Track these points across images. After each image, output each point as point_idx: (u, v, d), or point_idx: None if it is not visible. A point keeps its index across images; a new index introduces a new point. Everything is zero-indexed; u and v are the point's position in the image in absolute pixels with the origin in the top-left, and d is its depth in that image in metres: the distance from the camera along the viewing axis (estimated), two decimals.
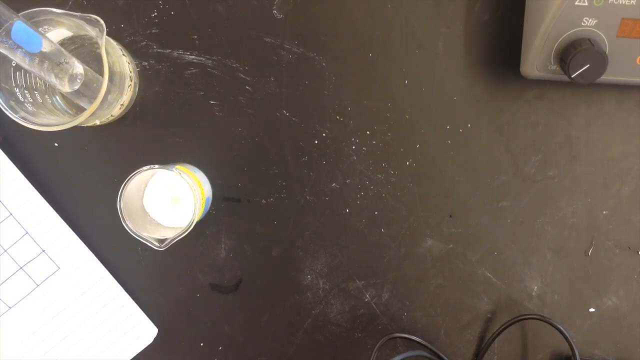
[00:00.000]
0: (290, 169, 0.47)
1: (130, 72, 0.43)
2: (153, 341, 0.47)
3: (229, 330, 0.48)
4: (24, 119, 0.37)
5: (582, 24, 0.37)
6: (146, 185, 0.45)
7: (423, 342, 0.47)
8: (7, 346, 0.46)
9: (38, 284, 0.46)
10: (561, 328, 0.46)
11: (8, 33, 0.33)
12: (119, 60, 0.41)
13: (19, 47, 0.34)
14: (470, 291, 0.48)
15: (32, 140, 0.46)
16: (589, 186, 0.47)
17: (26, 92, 0.40)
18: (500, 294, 0.48)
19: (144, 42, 0.45)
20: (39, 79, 0.41)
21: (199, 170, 0.46)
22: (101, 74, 0.38)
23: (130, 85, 0.44)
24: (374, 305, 0.48)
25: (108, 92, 0.38)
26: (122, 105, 0.44)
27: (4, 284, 0.45)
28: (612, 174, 0.47)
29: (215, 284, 0.48)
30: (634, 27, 0.37)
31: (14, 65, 0.39)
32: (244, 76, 0.46)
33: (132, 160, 0.46)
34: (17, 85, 0.39)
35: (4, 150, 0.45)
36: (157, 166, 0.41)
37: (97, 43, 0.37)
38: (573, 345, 0.46)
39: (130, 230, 0.40)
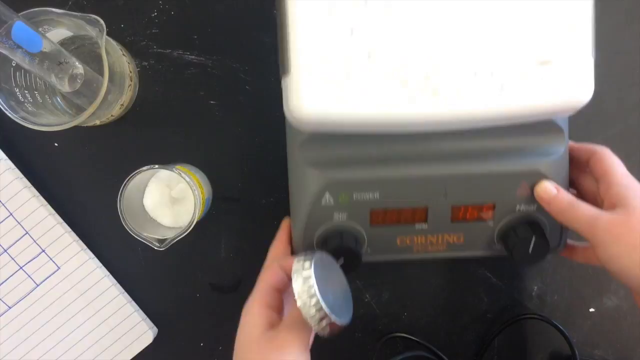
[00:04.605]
0: None
1: (130, 72, 0.43)
2: (153, 341, 0.47)
3: (229, 330, 0.48)
4: (24, 119, 0.37)
5: (334, 219, 0.39)
6: (146, 185, 0.45)
7: (423, 342, 0.47)
8: (7, 346, 0.46)
9: (38, 284, 0.46)
10: (561, 328, 0.46)
11: (8, 33, 0.33)
12: (119, 60, 0.41)
13: (19, 47, 0.34)
14: (470, 291, 0.48)
15: (32, 140, 0.46)
16: None
17: (26, 92, 0.40)
18: (500, 294, 0.48)
19: (144, 42, 0.45)
20: (39, 79, 0.41)
21: (199, 170, 0.46)
22: (101, 74, 0.38)
23: (130, 85, 0.44)
24: (374, 305, 0.48)
25: (108, 92, 0.38)
26: (122, 105, 0.44)
27: (4, 284, 0.45)
28: None
29: (215, 284, 0.48)
30: (384, 216, 0.39)
31: (14, 65, 0.39)
32: (244, 76, 0.46)
33: (132, 160, 0.46)
34: (17, 85, 0.39)
35: (4, 150, 0.45)
36: (157, 166, 0.41)
37: (97, 43, 0.37)
38: (573, 345, 0.46)
39: (130, 230, 0.40)
